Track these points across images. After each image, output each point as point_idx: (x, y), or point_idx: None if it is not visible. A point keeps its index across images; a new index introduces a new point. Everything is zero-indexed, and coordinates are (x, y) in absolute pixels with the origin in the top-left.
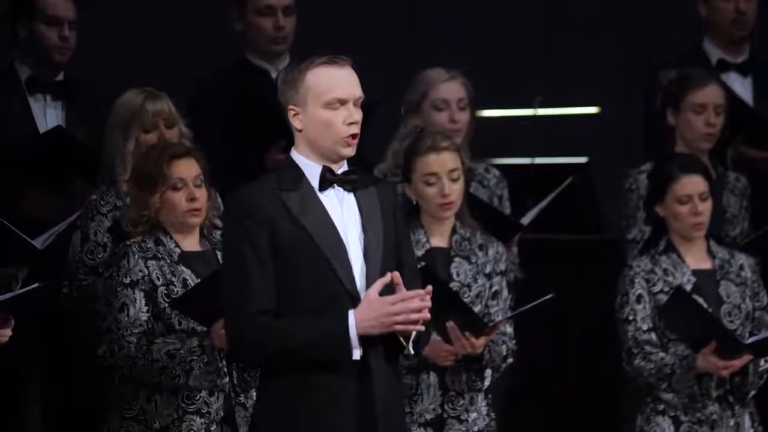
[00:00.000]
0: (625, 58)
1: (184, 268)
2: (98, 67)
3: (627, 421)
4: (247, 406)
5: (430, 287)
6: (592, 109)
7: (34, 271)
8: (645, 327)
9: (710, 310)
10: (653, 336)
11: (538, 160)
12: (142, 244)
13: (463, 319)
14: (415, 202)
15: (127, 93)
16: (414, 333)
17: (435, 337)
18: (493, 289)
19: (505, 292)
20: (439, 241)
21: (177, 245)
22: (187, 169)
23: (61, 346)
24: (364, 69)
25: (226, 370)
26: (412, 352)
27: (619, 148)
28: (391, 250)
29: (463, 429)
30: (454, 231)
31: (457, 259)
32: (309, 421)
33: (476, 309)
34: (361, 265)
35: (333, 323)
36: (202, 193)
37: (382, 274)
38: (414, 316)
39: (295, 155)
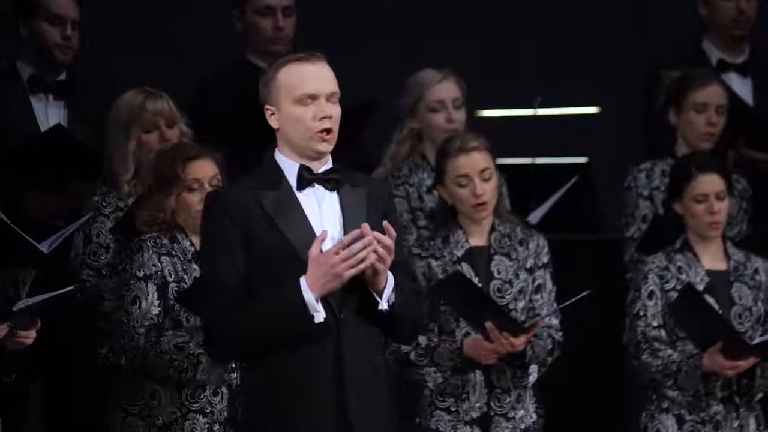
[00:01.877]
0: (625, 58)
1: (196, 267)
2: (98, 67)
3: (631, 419)
4: None
5: (365, 225)
6: (592, 109)
7: (40, 274)
8: (655, 323)
9: (720, 310)
10: (662, 333)
11: (539, 160)
12: (157, 240)
13: (499, 321)
14: (450, 204)
15: (126, 93)
16: (388, 288)
17: (476, 336)
18: (536, 283)
19: (549, 285)
20: (478, 240)
21: (192, 244)
22: (203, 170)
23: (61, 346)
24: (363, 69)
25: (234, 365)
26: (385, 306)
27: (619, 148)
28: None
29: (511, 427)
30: (493, 229)
31: (497, 257)
32: (285, 410)
33: (520, 304)
34: None
35: (287, 294)
36: None
37: (362, 271)
38: (361, 255)
39: (277, 155)
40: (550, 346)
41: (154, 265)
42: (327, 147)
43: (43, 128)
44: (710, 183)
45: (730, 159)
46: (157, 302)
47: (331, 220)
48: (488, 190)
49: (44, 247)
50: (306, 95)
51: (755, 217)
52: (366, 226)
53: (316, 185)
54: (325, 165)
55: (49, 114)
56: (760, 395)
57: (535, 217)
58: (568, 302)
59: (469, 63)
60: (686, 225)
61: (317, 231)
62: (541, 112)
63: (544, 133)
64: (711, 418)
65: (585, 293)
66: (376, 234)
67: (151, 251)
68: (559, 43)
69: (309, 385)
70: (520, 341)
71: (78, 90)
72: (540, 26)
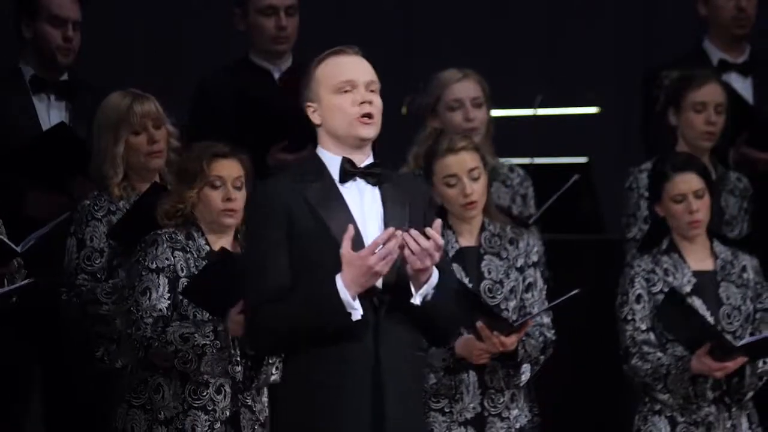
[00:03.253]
0: (625, 58)
1: None
2: (98, 67)
3: (628, 420)
4: (254, 408)
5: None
6: (592, 109)
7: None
8: (643, 327)
9: (708, 311)
10: (651, 336)
11: (538, 160)
12: (173, 235)
13: (489, 320)
14: (439, 204)
15: (111, 96)
16: (428, 285)
17: (468, 335)
18: (527, 282)
19: (540, 283)
20: (468, 240)
21: (207, 243)
22: (228, 169)
23: (60, 346)
24: None
25: (238, 358)
26: (418, 300)
27: (619, 148)
28: None
29: (505, 427)
30: (483, 228)
31: (487, 257)
32: (322, 412)
33: (511, 304)
34: None
35: (324, 294)
36: (240, 195)
37: (402, 267)
38: (395, 254)
39: (319, 150)
40: (542, 345)
41: (167, 259)
42: (369, 132)
43: (45, 128)
44: (687, 182)
45: (731, 158)
46: (167, 295)
47: (372, 213)
48: (477, 189)
49: (19, 247)
50: (345, 82)
51: (756, 216)
52: (393, 230)
53: (358, 179)
54: (368, 159)
55: (51, 114)
56: (750, 393)
57: (533, 216)
58: (558, 300)
59: (469, 63)
60: (670, 226)
61: (359, 223)
62: (541, 112)
63: (544, 133)
64: (703, 420)
65: (574, 292)
66: (413, 232)
67: (165, 245)
68: (559, 43)
69: (346, 388)
70: (511, 340)
71: (80, 90)
72: (540, 26)
